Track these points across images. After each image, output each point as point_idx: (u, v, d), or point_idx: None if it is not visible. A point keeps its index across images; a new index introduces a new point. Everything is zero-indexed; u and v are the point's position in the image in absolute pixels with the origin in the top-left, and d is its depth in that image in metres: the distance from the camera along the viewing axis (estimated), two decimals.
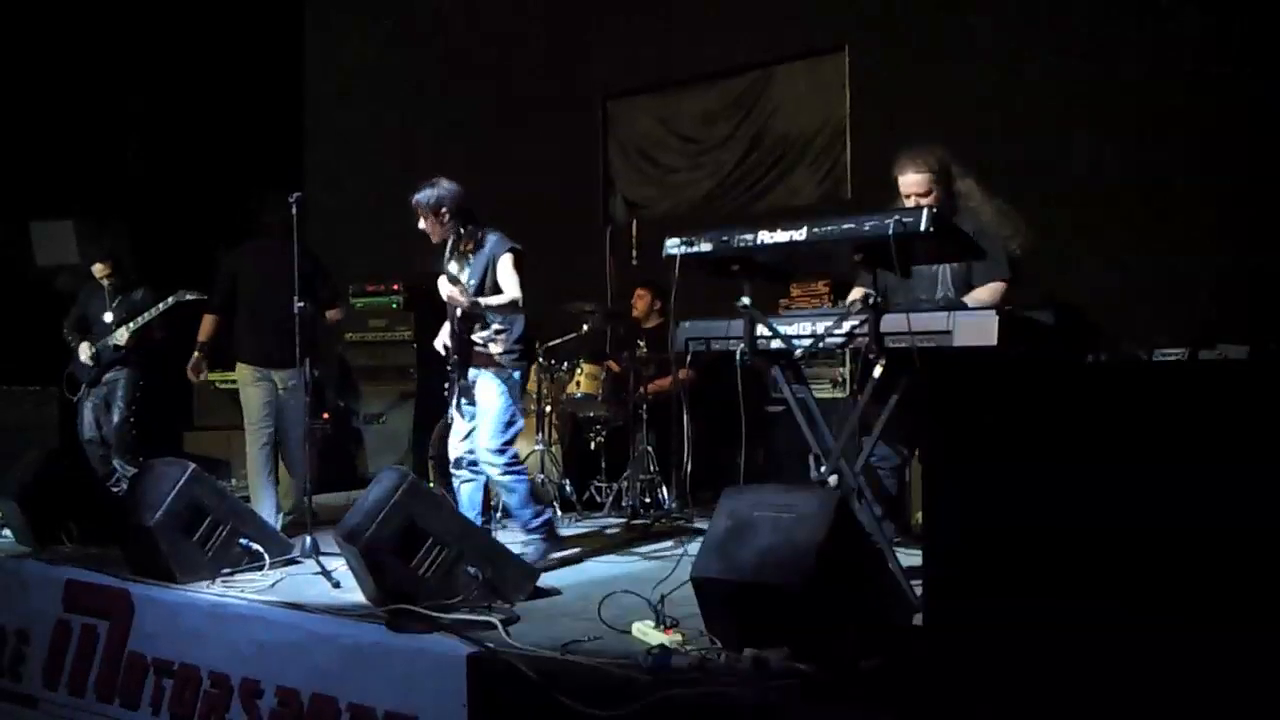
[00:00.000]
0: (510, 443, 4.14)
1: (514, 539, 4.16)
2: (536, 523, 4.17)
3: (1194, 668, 2.01)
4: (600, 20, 7.71)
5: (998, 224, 3.68)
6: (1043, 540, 2.30)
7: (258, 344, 5.06)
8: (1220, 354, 3.76)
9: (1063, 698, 2.14)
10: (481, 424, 4.10)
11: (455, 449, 4.25)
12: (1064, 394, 2.38)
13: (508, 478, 4.12)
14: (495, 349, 4.02)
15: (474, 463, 4.19)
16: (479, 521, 4.28)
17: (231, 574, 3.85)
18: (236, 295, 5.15)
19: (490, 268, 4.12)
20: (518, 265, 4.14)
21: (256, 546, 3.96)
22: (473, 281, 4.07)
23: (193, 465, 3.97)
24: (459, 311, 4.04)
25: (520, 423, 4.24)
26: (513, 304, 4.10)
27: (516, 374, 4.20)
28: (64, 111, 7.58)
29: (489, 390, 4.09)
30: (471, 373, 4.11)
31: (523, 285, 4.12)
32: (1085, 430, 2.26)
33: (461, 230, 4.13)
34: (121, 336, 6.17)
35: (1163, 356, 4.43)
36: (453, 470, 4.28)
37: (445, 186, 4.21)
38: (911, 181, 3.70)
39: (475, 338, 4.01)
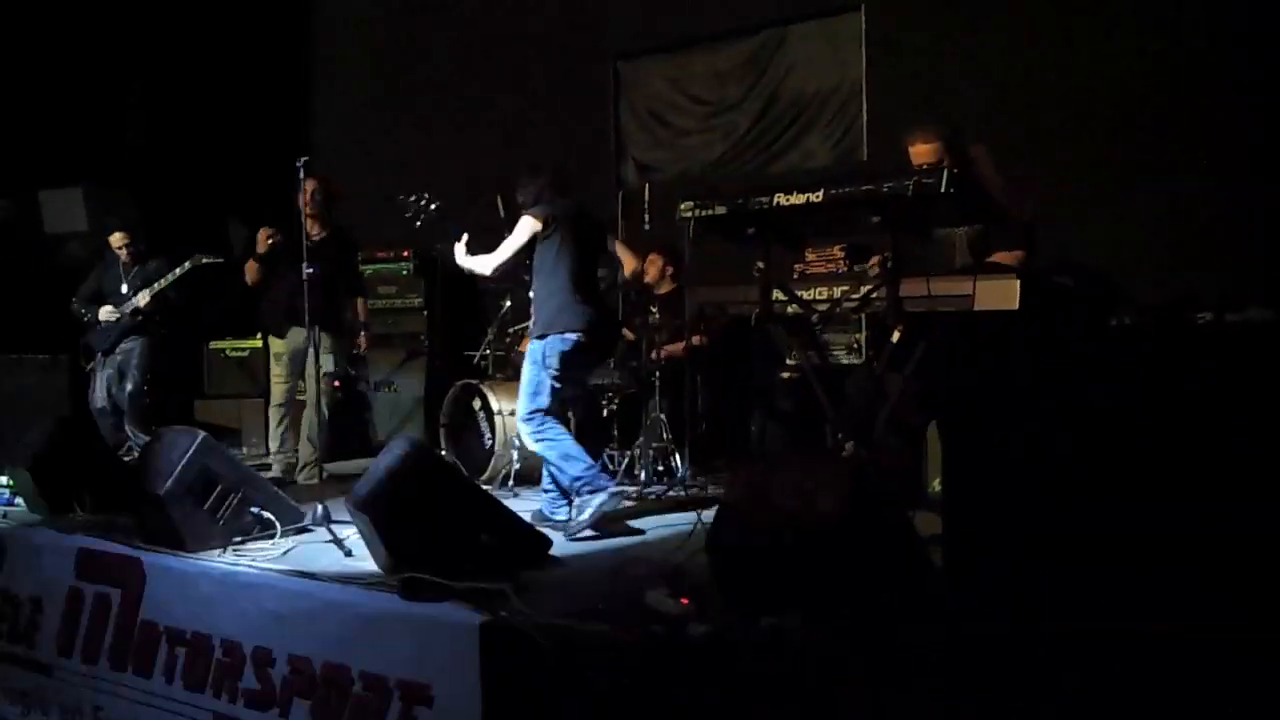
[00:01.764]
0: (536, 411, 4.20)
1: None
2: (576, 484, 4.09)
3: (1221, 645, 1.97)
4: None
5: (1005, 193, 3.61)
6: (1062, 506, 2.26)
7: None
8: (1247, 317, 3.67)
9: (1080, 666, 2.10)
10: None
11: None
12: (1085, 358, 2.32)
13: (538, 445, 4.19)
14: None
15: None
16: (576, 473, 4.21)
17: (243, 543, 3.84)
18: None
19: None
20: (522, 230, 4.27)
21: (268, 515, 3.94)
22: None
23: (203, 433, 3.95)
24: None
25: (544, 392, 4.24)
26: (479, 265, 4.35)
27: (539, 343, 4.26)
28: (71, 80, 7.51)
29: (525, 359, 4.31)
30: None
31: (528, 251, 4.27)
32: (1107, 395, 2.21)
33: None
34: (144, 298, 6.17)
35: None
36: None
37: (524, 183, 4.42)
38: (921, 152, 3.66)
39: None
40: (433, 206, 4.71)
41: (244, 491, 3.92)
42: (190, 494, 3.79)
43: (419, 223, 4.70)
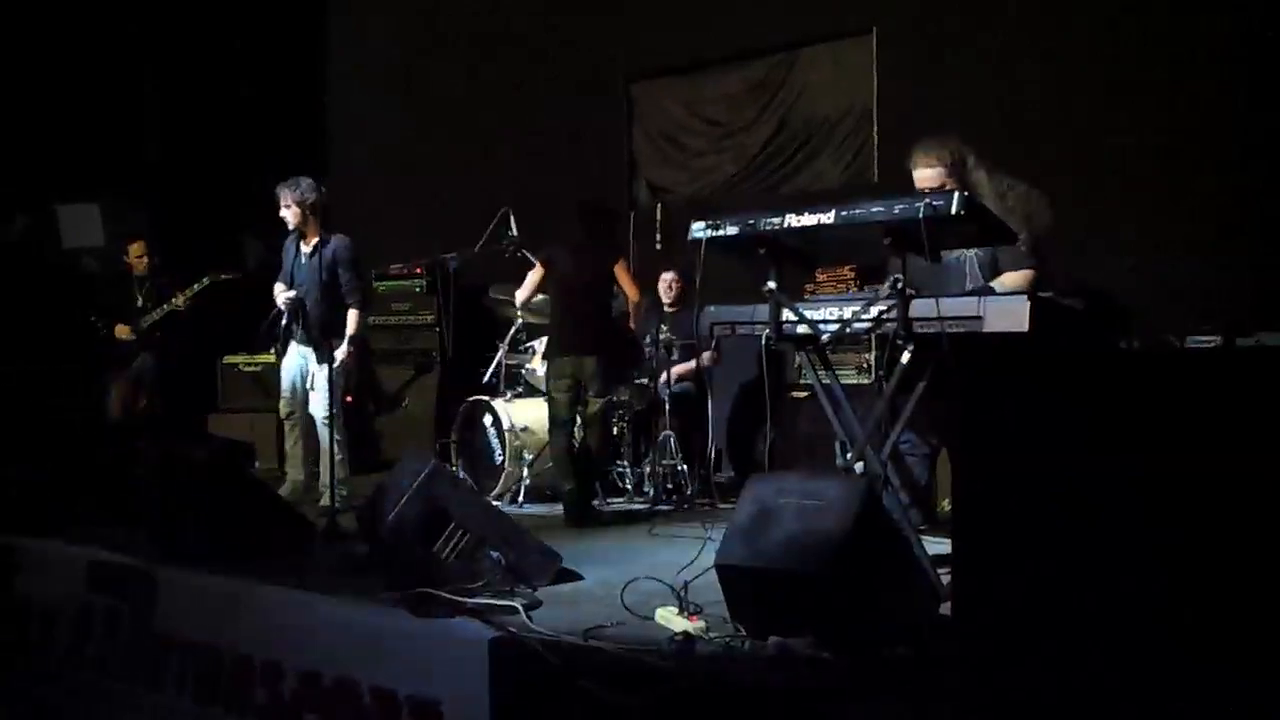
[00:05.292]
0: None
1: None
2: None
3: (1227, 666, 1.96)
4: (623, 2, 7.65)
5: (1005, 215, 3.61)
6: (1073, 530, 2.25)
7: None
8: (1257, 341, 3.67)
9: (1090, 690, 2.10)
10: None
11: None
12: (1096, 381, 2.33)
13: None
14: None
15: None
16: None
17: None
18: None
19: None
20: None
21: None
22: None
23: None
24: None
25: None
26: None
27: None
28: (88, 96, 7.60)
29: None
30: None
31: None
32: (1117, 419, 2.21)
33: None
34: (166, 310, 6.22)
35: (1196, 344, 4.35)
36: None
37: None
38: (924, 176, 3.64)
39: None
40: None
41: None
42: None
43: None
